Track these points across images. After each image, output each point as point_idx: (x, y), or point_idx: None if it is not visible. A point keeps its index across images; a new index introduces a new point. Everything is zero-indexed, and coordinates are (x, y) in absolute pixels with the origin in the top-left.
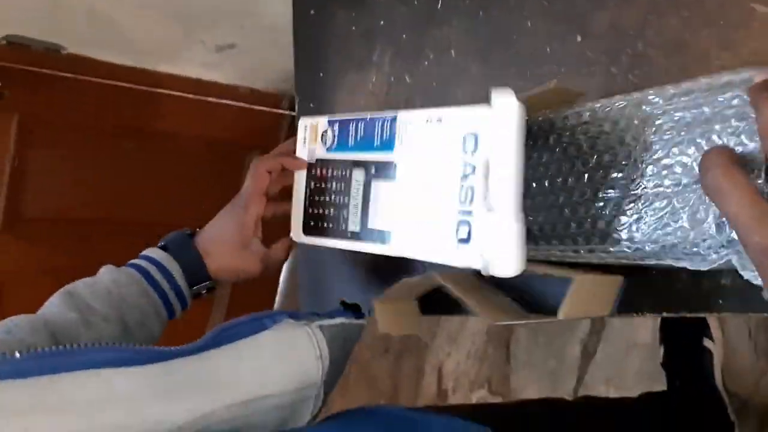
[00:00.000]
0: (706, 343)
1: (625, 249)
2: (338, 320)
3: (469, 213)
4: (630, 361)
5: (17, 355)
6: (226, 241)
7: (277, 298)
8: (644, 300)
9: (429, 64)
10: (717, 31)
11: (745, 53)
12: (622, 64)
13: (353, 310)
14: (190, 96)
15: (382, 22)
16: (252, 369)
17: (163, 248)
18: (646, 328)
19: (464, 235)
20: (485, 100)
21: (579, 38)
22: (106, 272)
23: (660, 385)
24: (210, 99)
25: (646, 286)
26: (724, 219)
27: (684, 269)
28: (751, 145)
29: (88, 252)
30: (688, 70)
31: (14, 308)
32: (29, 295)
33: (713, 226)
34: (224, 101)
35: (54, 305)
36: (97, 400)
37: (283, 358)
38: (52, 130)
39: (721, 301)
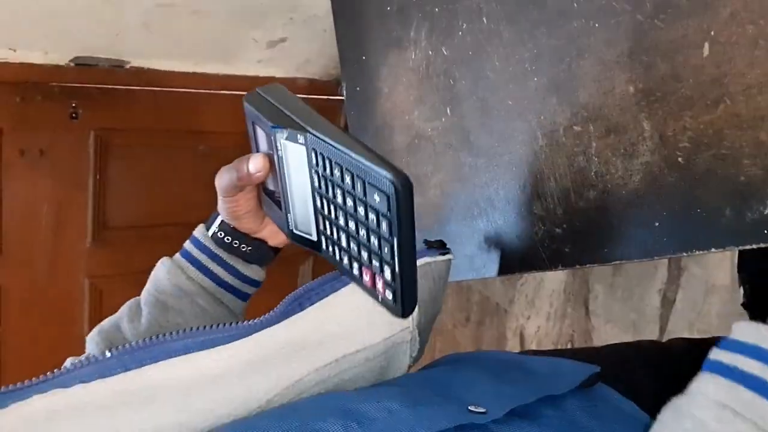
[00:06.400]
0: None
1: None
2: (424, 260)
3: None
4: (710, 304)
5: (107, 354)
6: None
7: None
8: (692, 238)
9: (463, 33)
10: None
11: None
12: (647, 10)
13: (437, 246)
14: None
15: None
16: (338, 327)
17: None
18: (723, 270)
19: None
20: (520, 62)
21: None
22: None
23: None
24: None
25: (692, 224)
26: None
27: (728, 206)
28: None
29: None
30: (711, 6)
31: (115, 311)
32: (126, 297)
33: None
34: None
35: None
36: (185, 385)
37: (369, 310)
38: (125, 141)
39: (766, 231)
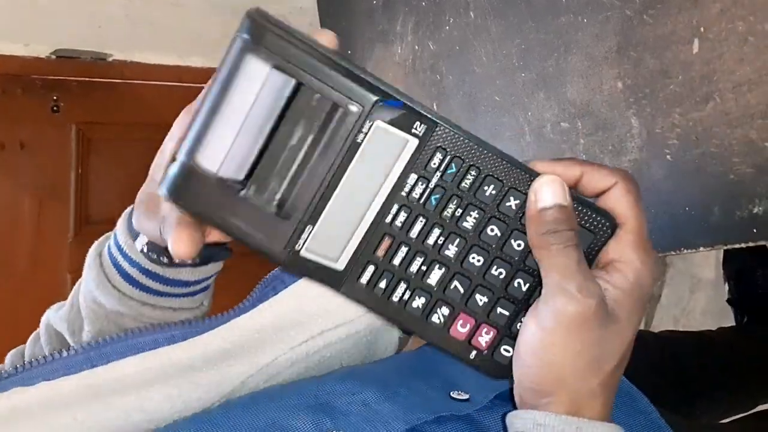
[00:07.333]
0: None
1: None
2: None
3: None
4: (696, 300)
5: (71, 351)
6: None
7: None
8: (681, 237)
9: (450, 28)
10: None
11: None
12: (636, 6)
13: None
14: None
15: None
16: (316, 306)
17: None
18: (709, 266)
19: None
20: (507, 57)
21: None
22: None
23: (728, 321)
24: None
25: (680, 222)
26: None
27: (717, 204)
28: None
29: None
30: (700, 2)
31: None
32: None
33: None
34: None
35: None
36: (154, 376)
37: None
38: (108, 135)
39: (755, 230)
